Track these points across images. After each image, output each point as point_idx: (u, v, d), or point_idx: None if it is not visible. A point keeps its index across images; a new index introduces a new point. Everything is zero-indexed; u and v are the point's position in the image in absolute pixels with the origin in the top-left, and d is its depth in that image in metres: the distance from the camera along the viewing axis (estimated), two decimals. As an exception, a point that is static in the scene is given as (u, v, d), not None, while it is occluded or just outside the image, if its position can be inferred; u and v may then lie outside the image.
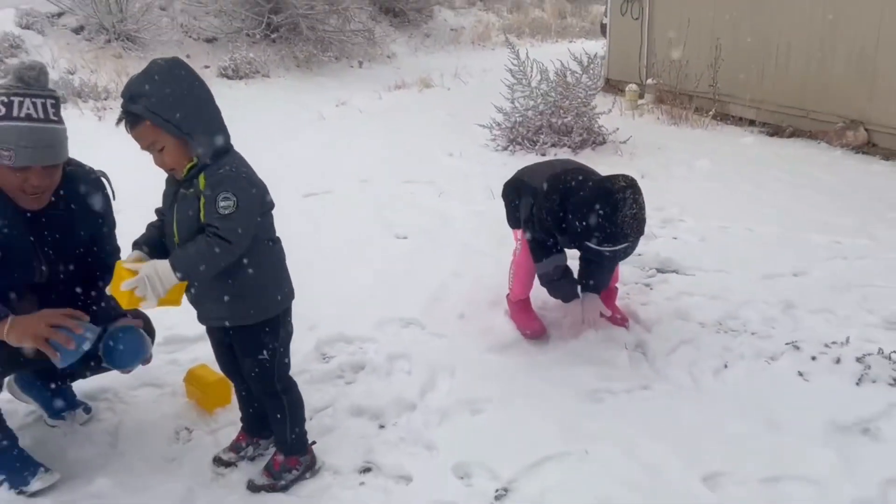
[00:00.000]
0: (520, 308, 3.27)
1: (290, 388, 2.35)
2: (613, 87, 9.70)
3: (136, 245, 2.19)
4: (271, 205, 2.17)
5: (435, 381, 2.92)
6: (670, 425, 2.58)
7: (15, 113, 2.03)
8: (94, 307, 2.36)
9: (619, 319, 3.27)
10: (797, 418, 2.59)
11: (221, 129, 2.07)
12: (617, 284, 3.36)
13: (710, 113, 7.35)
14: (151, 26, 10.10)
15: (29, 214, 2.23)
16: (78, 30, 9.84)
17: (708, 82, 7.54)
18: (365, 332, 3.28)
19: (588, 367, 2.96)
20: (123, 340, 2.31)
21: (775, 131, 7.09)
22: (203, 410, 2.77)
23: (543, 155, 6.03)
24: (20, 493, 2.29)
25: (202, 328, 3.15)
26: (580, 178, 2.89)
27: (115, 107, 7.61)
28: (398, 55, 12.57)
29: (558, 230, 2.89)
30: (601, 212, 2.66)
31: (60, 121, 2.14)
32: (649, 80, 8.70)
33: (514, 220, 3.29)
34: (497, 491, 2.32)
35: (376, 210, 4.90)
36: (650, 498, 2.25)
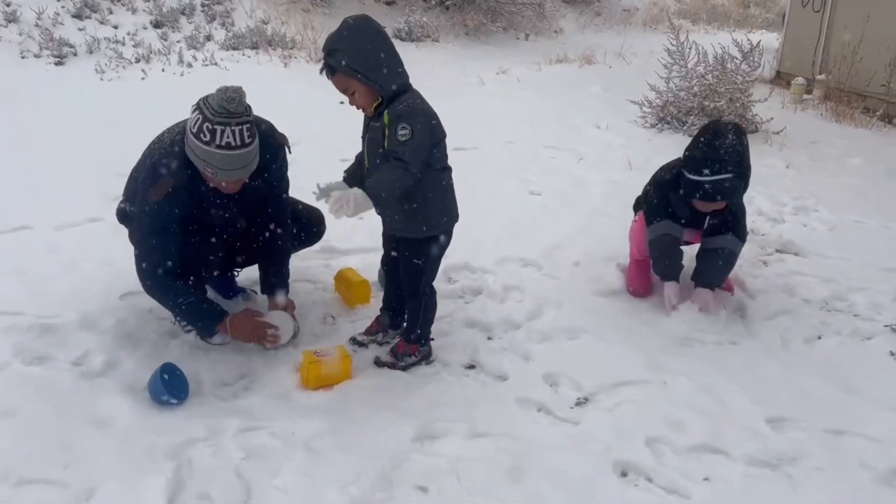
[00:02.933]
0: (636, 266, 3.58)
1: (432, 293, 2.88)
2: (784, 79, 9.45)
3: (345, 174, 2.84)
4: (443, 135, 2.65)
5: (541, 311, 3.33)
6: (748, 374, 2.85)
7: (218, 141, 2.46)
8: (271, 243, 2.97)
9: (725, 287, 3.50)
10: (875, 387, 2.77)
11: (401, 74, 2.56)
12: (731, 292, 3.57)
13: (878, 113, 7.09)
14: (338, -14, 10.96)
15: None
16: (274, -15, 10.90)
17: (881, 82, 7.27)
18: (487, 265, 3.73)
19: (684, 319, 3.25)
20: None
21: (948, 139, 6.75)
22: (346, 305, 3.35)
23: (690, 136, 6.15)
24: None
25: (352, 243, 3.83)
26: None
27: (300, 56, 8.59)
28: (565, 31, 12.75)
29: (671, 183, 3.24)
30: (703, 138, 3.08)
31: (253, 141, 2.55)
32: (820, 76, 8.44)
33: (636, 202, 3.72)
34: (578, 399, 2.72)
35: (516, 170, 5.31)
36: (714, 425, 2.55)
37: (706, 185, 3.06)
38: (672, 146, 5.67)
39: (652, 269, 3.46)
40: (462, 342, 3.06)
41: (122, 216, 2.98)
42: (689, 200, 3.20)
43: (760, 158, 5.67)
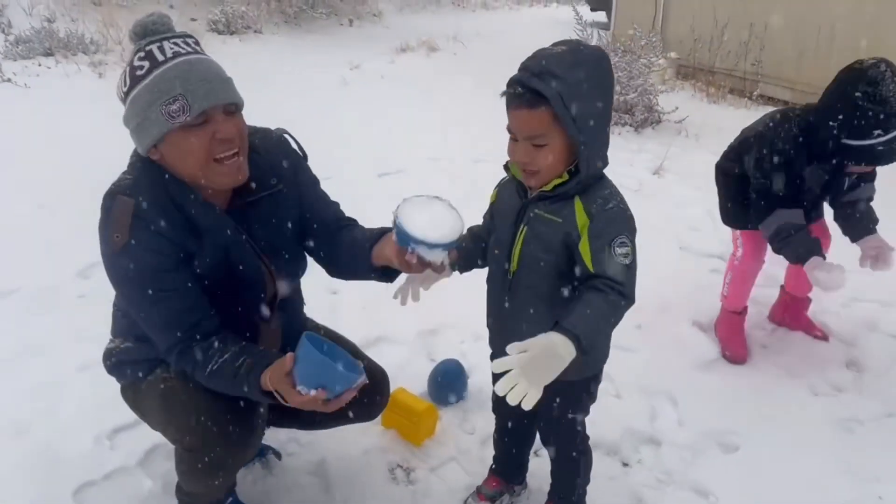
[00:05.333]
0: (731, 323, 3.02)
1: (588, 448, 2.05)
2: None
3: None
4: None
5: (655, 409, 2.67)
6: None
7: (160, 57, 1.59)
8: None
9: (818, 334, 3.07)
10: None
11: (608, 144, 1.70)
12: (810, 294, 3.16)
13: (756, 93, 7.23)
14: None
15: (233, 210, 1.77)
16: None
17: (735, 61, 7.43)
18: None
19: (817, 391, 2.77)
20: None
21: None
22: (409, 442, 2.45)
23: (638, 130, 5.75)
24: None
25: (395, 349, 2.94)
26: (805, 104, 2.65)
27: (112, 61, 6.89)
28: (385, 13, 12.00)
29: (803, 157, 2.57)
30: (858, 93, 2.35)
31: (204, 53, 1.70)
32: (672, 55, 8.52)
33: (731, 214, 2.95)
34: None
35: (472, 199, 4.47)
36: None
37: (880, 149, 2.40)
38: (630, 141, 5.19)
39: (789, 260, 2.69)
40: (599, 480, 2.27)
41: (113, 364, 1.94)
42: (845, 164, 2.56)
43: (694, 154, 5.44)
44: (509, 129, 1.66)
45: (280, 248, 1.85)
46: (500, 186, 1.87)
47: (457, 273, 1.98)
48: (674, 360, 2.95)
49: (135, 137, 1.66)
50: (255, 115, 1.89)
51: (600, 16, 12.24)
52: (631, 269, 1.62)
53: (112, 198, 1.64)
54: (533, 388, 1.46)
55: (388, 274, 1.85)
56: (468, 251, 1.94)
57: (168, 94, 1.55)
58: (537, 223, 1.70)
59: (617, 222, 1.64)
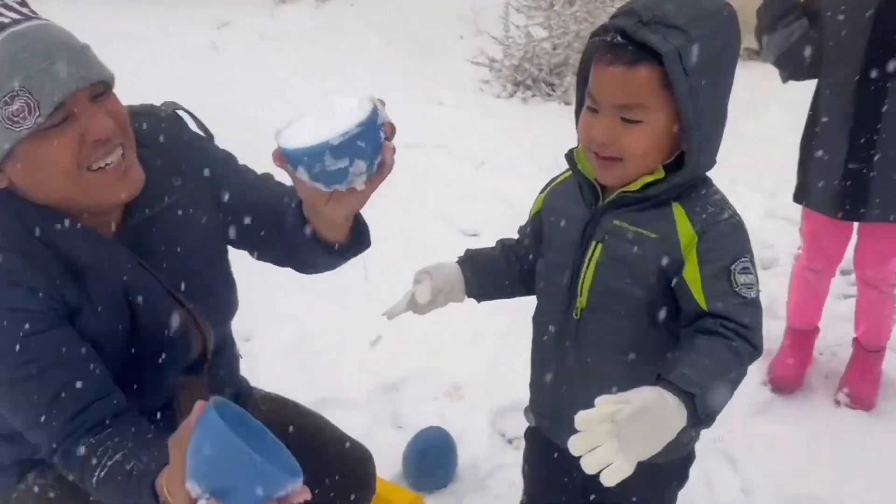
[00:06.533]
0: (793, 342, 2.83)
1: None
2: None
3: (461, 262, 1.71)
4: None
5: (711, 474, 2.40)
6: None
7: None
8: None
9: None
10: None
11: (721, 137, 1.44)
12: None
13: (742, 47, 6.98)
14: None
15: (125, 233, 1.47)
16: None
17: None
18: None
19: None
20: None
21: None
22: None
23: (567, 104, 5.33)
24: None
25: (345, 414, 2.53)
26: None
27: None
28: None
29: None
30: None
31: (37, 15, 1.35)
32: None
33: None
34: None
35: (413, 195, 3.94)
36: None
37: None
38: (562, 117, 4.69)
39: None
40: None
41: None
42: None
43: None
44: (590, 94, 1.39)
45: (200, 277, 1.53)
46: (551, 190, 1.61)
47: (473, 301, 1.72)
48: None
49: None
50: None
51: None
52: (757, 305, 1.37)
53: None
54: (624, 457, 1.11)
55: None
56: (489, 269, 1.70)
57: (1, 90, 1.23)
58: (618, 240, 1.42)
59: (736, 239, 1.40)
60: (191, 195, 1.54)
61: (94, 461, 1.33)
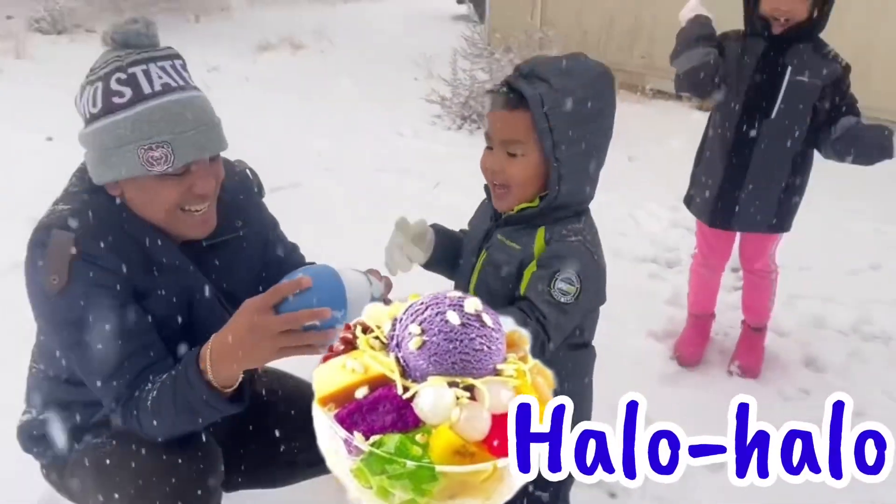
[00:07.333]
0: (694, 325, 3.23)
1: None
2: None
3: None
4: (603, 300, 1.77)
5: None
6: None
7: (147, 89, 1.46)
8: None
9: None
10: None
11: (595, 181, 1.69)
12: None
13: (648, 87, 7.55)
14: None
15: (196, 252, 1.67)
16: None
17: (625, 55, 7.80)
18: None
19: (786, 396, 2.99)
20: None
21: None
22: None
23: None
24: None
25: None
26: None
27: None
28: (235, 8, 11.70)
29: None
30: None
31: (194, 86, 1.59)
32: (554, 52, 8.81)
33: None
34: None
35: (378, 215, 4.39)
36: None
37: None
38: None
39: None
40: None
41: (30, 437, 1.75)
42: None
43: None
44: (486, 134, 1.66)
45: (242, 299, 1.63)
46: (478, 207, 1.86)
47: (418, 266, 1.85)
48: (638, 376, 2.99)
49: (93, 165, 1.54)
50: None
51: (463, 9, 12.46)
52: (566, 313, 1.56)
53: (46, 232, 1.49)
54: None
55: None
56: (450, 242, 1.86)
57: (151, 138, 1.45)
58: (496, 249, 1.68)
59: (572, 258, 1.59)
60: (245, 235, 1.77)
61: (148, 387, 1.50)
